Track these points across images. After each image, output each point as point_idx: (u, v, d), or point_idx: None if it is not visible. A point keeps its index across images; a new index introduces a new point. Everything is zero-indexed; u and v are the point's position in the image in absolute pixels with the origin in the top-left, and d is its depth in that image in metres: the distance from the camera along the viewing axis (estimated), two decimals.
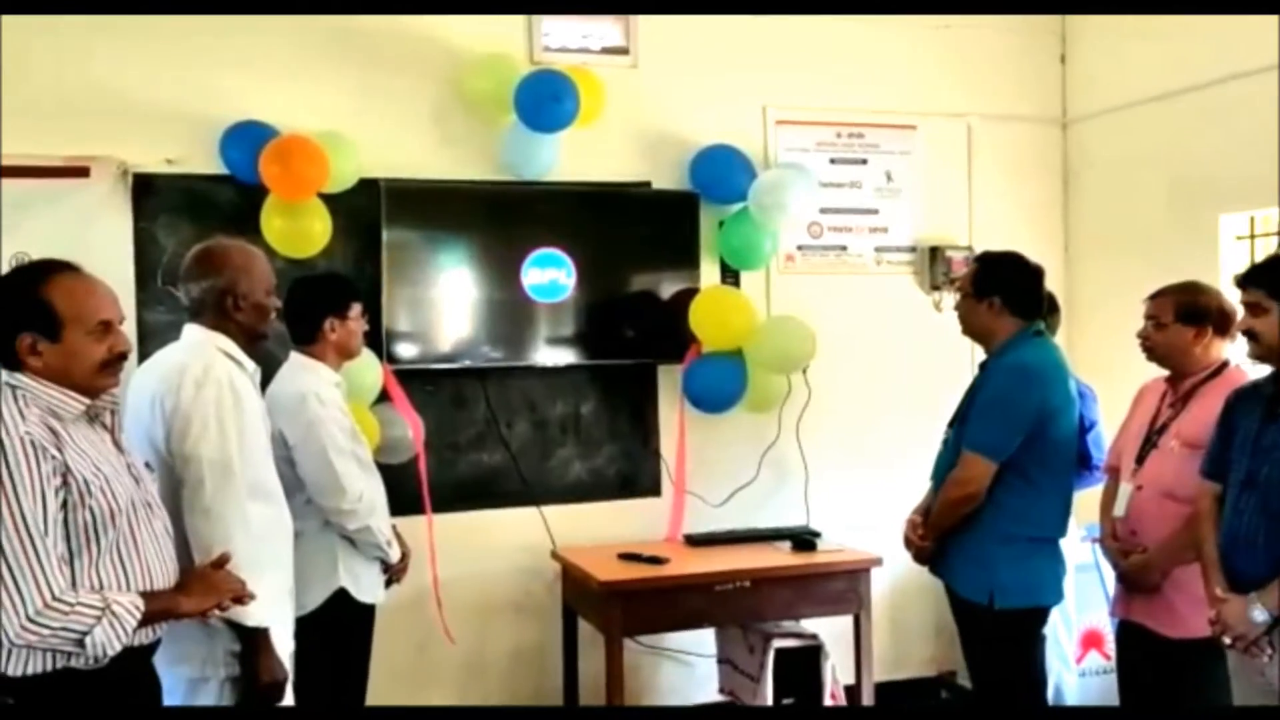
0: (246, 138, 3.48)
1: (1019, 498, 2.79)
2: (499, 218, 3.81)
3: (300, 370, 2.91)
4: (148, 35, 3.49)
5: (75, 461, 1.89)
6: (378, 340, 3.53)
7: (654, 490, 4.05)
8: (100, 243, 3.32)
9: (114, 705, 1.93)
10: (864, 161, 4.33)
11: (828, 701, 3.65)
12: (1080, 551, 3.55)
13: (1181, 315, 2.79)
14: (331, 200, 3.54)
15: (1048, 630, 2.97)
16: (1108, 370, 3.55)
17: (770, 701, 3.58)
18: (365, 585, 2.91)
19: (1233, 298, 2.63)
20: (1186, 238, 3.91)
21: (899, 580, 4.05)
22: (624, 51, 4.01)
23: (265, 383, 2.64)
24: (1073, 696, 3.80)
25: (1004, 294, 2.88)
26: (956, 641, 3.13)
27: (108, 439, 2.01)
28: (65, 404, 1.93)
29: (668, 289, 3.97)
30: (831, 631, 3.70)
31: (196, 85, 3.54)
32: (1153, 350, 2.87)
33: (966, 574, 2.86)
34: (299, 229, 3.49)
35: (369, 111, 3.71)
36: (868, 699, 3.66)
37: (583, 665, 3.80)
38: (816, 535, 3.82)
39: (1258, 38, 3.57)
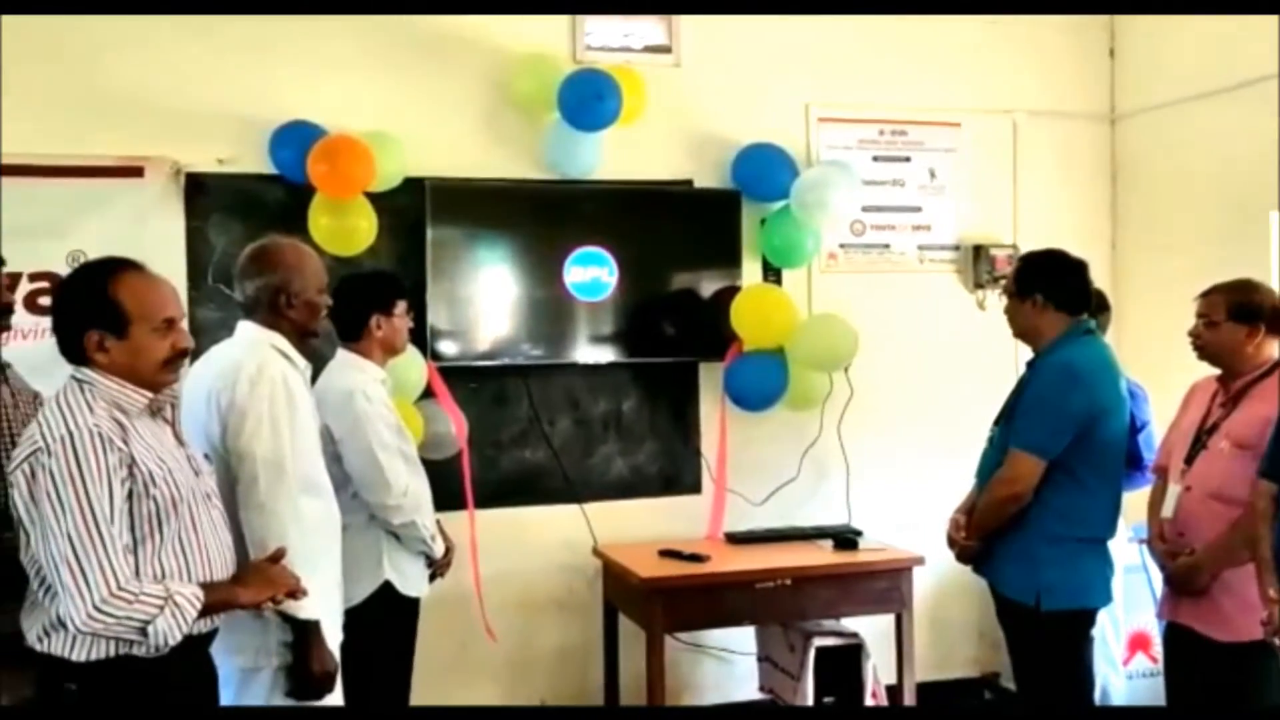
0: (295, 137, 3.53)
1: (1067, 498, 2.76)
2: (541, 216, 3.84)
3: (347, 367, 2.95)
4: (201, 38, 3.55)
5: (140, 453, 1.94)
6: (422, 337, 3.57)
7: (695, 488, 4.06)
8: (153, 241, 3.36)
9: (173, 693, 1.97)
10: (907, 159, 4.30)
11: (869, 701, 3.64)
12: (1128, 552, 3.51)
13: (1234, 313, 2.75)
14: (377, 199, 3.59)
15: (1095, 632, 2.93)
16: (1157, 369, 3.50)
17: (811, 700, 3.58)
18: (410, 579, 2.94)
19: None
20: (1237, 235, 3.85)
21: (941, 580, 4.02)
22: (666, 50, 4.02)
23: (313, 379, 2.68)
24: (1119, 699, 3.75)
25: (1045, 290, 2.85)
26: (1000, 642, 3.11)
27: (169, 432, 2.07)
28: (130, 398, 1.98)
29: (709, 287, 3.98)
30: (873, 631, 3.69)
31: (247, 86, 3.60)
32: (1204, 349, 2.83)
33: (1013, 574, 2.84)
34: (345, 227, 3.54)
35: (414, 111, 3.75)
36: (909, 699, 3.65)
37: (623, 662, 3.81)
38: (858, 534, 3.81)
39: None
